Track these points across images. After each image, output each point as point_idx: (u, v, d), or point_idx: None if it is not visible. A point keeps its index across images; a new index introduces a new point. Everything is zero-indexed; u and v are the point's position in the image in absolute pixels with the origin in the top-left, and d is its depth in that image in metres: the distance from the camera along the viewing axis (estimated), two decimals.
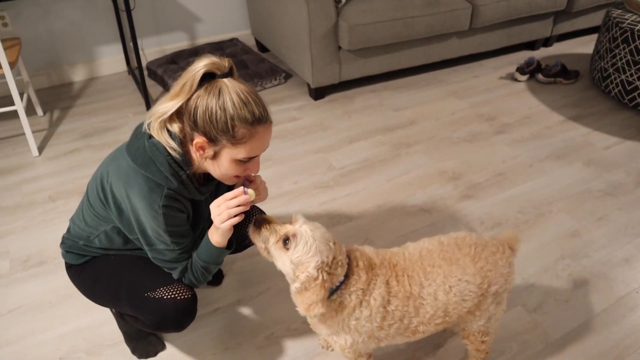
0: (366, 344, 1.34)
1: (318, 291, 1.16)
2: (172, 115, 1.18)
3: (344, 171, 2.50)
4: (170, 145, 1.20)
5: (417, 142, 2.75)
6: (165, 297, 1.33)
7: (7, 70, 2.38)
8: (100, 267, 1.44)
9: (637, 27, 2.80)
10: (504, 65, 3.63)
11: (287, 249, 1.18)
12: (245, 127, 1.14)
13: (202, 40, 3.70)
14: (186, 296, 1.35)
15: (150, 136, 1.22)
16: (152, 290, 1.35)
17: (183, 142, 1.22)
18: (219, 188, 1.47)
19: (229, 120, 1.12)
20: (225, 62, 1.15)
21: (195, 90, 1.14)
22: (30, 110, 3.00)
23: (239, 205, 1.21)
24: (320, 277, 1.16)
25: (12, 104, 2.97)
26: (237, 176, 1.26)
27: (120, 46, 3.43)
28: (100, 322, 1.75)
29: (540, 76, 3.38)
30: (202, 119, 1.13)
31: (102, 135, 2.81)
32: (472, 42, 3.44)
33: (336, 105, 3.10)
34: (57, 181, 2.45)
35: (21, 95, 2.88)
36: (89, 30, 3.29)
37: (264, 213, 1.56)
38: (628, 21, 2.87)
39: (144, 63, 3.46)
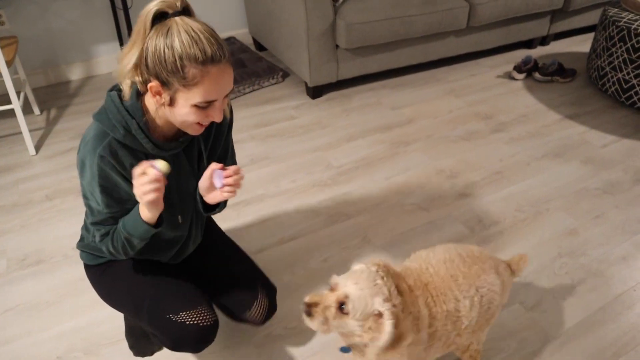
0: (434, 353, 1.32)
1: (397, 324, 1.09)
2: (135, 65, 1.10)
3: (342, 169, 2.50)
4: (125, 94, 1.14)
5: (415, 140, 2.75)
6: (187, 322, 1.30)
7: (4, 68, 2.37)
8: (122, 275, 1.40)
9: (633, 26, 2.81)
10: (501, 64, 3.63)
11: (347, 313, 1.10)
12: (195, 67, 1.05)
13: None
14: (208, 323, 1.32)
15: (115, 90, 1.17)
16: (174, 313, 1.31)
17: (142, 92, 1.15)
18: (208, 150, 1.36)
19: (177, 60, 1.04)
20: (178, 1, 1.07)
21: (148, 33, 1.06)
22: (27, 109, 2.99)
23: (151, 182, 1.07)
24: (391, 310, 1.09)
25: (9, 102, 2.96)
26: (199, 124, 1.16)
27: (117, 45, 3.42)
28: (98, 321, 1.74)
29: (537, 75, 3.38)
30: (152, 60, 1.05)
31: None
32: (470, 41, 3.44)
33: (334, 104, 3.10)
34: (54, 180, 2.44)
35: (18, 94, 2.87)
36: (87, 29, 3.28)
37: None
38: (625, 20, 2.88)
39: None
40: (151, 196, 1.08)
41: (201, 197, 1.34)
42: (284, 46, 3.16)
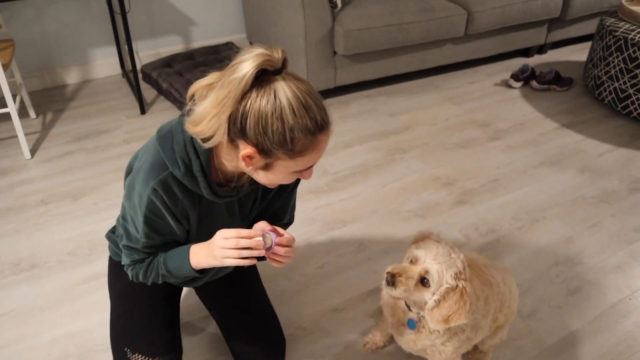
0: (464, 346, 1.38)
1: (459, 300, 1.18)
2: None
3: (338, 176, 2.50)
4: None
5: (412, 147, 2.75)
6: None
7: (0, 72, 2.36)
8: (126, 289, 1.38)
9: (630, 36, 2.82)
10: (498, 72, 3.64)
11: (428, 286, 1.20)
12: (306, 137, 0.94)
13: (197, 44, 3.69)
14: None
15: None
16: (131, 348, 1.27)
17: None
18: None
19: (287, 132, 0.92)
20: (279, 53, 0.93)
21: (246, 95, 0.92)
22: (23, 113, 2.98)
23: (249, 248, 1.05)
24: (460, 285, 1.19)
25: (5, 106, 2.95)
26: None
27: (114, 49, 3.42)
28: (92, 327, 1.73)
29: (534, 83, 3.40)
30: (253, 129, 0.92)
31: (95, 138, 2.79)
32: (467, 49, 3.45)
33: (331, 110, 3.06)
34: (50, 184, 2.43)
35: (14, 97, 2.86)
36: (83, 32, 3.27)
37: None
38: (622, 29, 2.89)
39: (138, 66, 3.45)
40: (235, 261, 1.05)
41: None
42: None
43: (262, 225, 1.10)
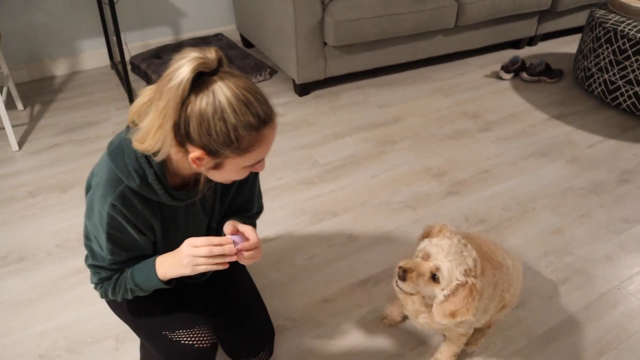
0: (474, 325, 1.45)
1: (467, 296, 1.22)
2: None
3: (328, 167, 2.50)
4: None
5: (402, 138, 2.75)
6: (183, 341, 1.25)
7: None
8: (136, 310, 1.35)
9: (620, 27, 2.83)
10: (489, 64, 3.64)
11: (438, 282, 1.24)
12: (250, 134, 0.95)
13: (186, 35, 3.66)
14: (205, 344, 1.27)
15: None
16: (170, 330, 1.27)
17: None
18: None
19: (231, 131, 0.92)
20: (212, 53, 0.93)
21: (185, 101, 0.92)
22: (10, 104, 2.94)
23: (222, 255, 1.07)
24: (470, 282, 1.22)
25: None
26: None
27: (103, 40, 3.38)
28: (81, 319, 1.72)
29: (524, 75, 3.40)
30: (197, 132, 0.92)
31: (84, 130, 2.77)
32: (458, 40, 3.45)
33: (321, 102, 3.09)
34: (38, 176, 2.41)
35: (0, 88, 2.82)
36: (71, 23, 3.23)
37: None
38: (611, 21, 2.90)
39: (127, 57, 3.42)
40: (206, 268, 1.07)
41: None
42: (271, 43, 3.14)
43: (229, 229, 1.15)
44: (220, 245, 1.06)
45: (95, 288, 1.21)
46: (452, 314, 1.23)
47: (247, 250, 1.12)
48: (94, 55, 3.41)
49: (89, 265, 1.18)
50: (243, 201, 1.36)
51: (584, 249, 2.07)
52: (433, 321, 1.37)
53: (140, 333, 1.35)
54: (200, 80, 0.91)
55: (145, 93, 0.99)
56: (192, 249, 1.06)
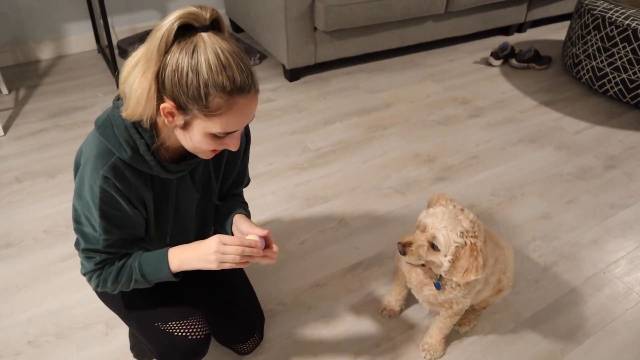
0: (474, 299, 1.49)
1: (469, 256, 1.25)
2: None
3: (319, 153, 2.49)
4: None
5: (392, 124, 2.75)
6: (176, 332, 1.24)
7: None
8: (127, 301, 1.32)
9: (608, 14, 2.84)
10: (478, 50, 3.65)
11: (438, 250, 1.26)
12: (221, 96, 0.92)
13: None
14: (199, 336, 1.25)
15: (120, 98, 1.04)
16: (163, 322, 1.25)
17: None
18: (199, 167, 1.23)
19: (202, 87, 0.90)
20: (207, 13, 0.91)
21: (169, 49, 0.91)
22: None
23: (250, 256, 1.09)
24: (468, 242, 1.25)
25: None
26: (214, 150, 1.06)
27: (89, 23, 3.33)
28: (70, 305, 1.71)
29: (513, 61, 3.41)
30: (170, 80, 0.91)
31: (70, 114, 2.73)
32: (448, 26, 3.44)
33: (312, 87, 3.08)
34: (24, 161, 2.37)
35: None
36: (57, 6, 3.17)
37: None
38: (599, 8, 2.91)
39: (114, 41, 3.37)
40: (231, 266, 1.08)
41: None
42: (261, 28, 3.11)
43: (246, 228, 1.18)
44: (251, 247, 1.09)
45: (90, 278, 1.16)
46: (462, 276, 1.26)
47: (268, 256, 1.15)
48: (80, 38, 3.36)
49: (82, 251, 1.14)
50: (236, 176, 1.36)
51: (571, 233, 2.09)
52: (441, 293, 1.40)
53: (132, 324, 1.33)
54: (187, 33, 0.91)
55: (135, 53, 0.97)
56: (222, 246, 1.07)
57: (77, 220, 1.12)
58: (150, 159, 1.04)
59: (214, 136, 1.00)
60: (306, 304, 1.75)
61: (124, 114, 0.99)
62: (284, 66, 3.09)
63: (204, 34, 0.91)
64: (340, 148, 2.53)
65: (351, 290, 1.81)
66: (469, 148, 2.58)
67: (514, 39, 3.85)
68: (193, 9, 0.90)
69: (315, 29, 2.93)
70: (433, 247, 1.27)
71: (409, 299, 1.73)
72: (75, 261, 1.86)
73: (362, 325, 1.68)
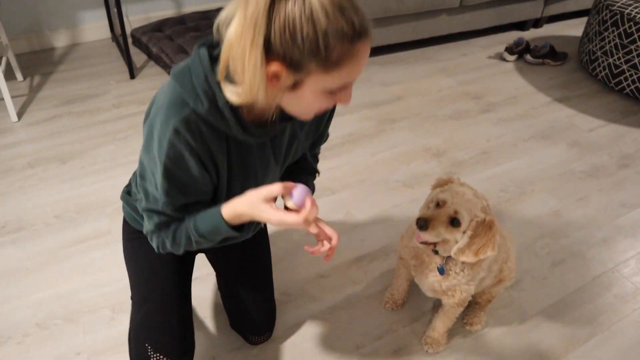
0: (477, 287, 1.47)
1: (488, 232, 1.24)
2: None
3: (328, 144, 2.49)
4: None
5: (403, 118, 2.73)
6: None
7: None
8: (147, 255, 1.30)
9: (627, 11, 2.79)
10: (493, 45, 3.61)
11: (458, 226, 1.24)
12: (343, 44, 0.80)
13: (188, 8, 3.62)
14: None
15: (206, 45, 0.92)
16: (153, 346, 1.24)
17: None
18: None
19: (320, 37, 0.78)
20: None
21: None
22: (9, 75, 2.92)
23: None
24: (488, 218, 1.25)
25: None
26: (319, 111, 0.94)
27: (104, 12, 3.35)
28: (78, 289, 1.73)
29: (528, 57, 3.37)
30: (279, 38, 0.78)
31: (83, 102, 2.76)
32: (462, 20, 3.41)
33: None
34: (37, 147, 2.40)
35: (0, 59, 2.80)
36: None
37: None
38: (618, 4, 2.86)
39: (128, 30, 3.39)
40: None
41: None
42: None
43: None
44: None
45: (150, 238, 1.10)
46: (476, 252, 1.25)
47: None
48: (94, 27, 3.38)
49: (144, 210, 1.05)
50: (313, 142, 1.27)
51: (581, 232, 2.07)
52: (445, 279, 1.39)
53: (134, 316, 1.32)
54: None
55: (229, 5, 0.86)
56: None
57: (142, 176, 1.03)
58: (229, 115, 0.92)
59: (329, 92, 0.88)
60: (310, 295, 1.76)
61: (237, 101, 0.88)
62: None
63: None
64: (350, 140, 2.53)
65: (355, 282, 1.81)
66: (480, 143, 2.56)
67: (530, 34, 3.80)
68: None
69: None
70: (452, 223, 1.25)
71: (413, 292, 1.73)
72: (84, 246, 1.89)
73: (366, 317, 1.69)
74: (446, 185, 1.33)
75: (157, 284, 1.31)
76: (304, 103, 0.90)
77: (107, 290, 1.73)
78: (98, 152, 2.37)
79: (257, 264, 1.50)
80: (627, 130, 2.73)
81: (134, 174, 1.22)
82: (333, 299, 1.75)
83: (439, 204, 1.28)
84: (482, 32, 3.77)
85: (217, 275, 1.53)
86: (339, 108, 2.78)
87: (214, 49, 0.93)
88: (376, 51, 3.41)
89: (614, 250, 1.99)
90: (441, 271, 1.39)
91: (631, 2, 2.84)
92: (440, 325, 1.54)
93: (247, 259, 1.47)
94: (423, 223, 1.25)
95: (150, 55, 3.14)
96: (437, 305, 1.72)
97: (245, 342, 1.57)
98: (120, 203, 1.39)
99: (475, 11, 3.40)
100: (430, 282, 1.43)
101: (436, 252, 1.37)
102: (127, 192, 1.31)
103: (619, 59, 2.89)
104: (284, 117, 1.00)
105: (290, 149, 1.16)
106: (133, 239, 1.35)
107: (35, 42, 3.24)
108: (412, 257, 1.46)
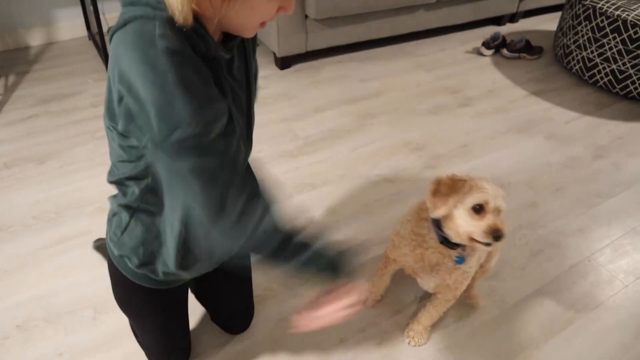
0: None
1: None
2: None
3: (308, 140, 2.50)
4: None
5: (382, 113, 2.75)
6: None
7: None
8: (136, 308, 1.30)
9: (598, 5, 2.85)
10: (470, 40, 3.65)
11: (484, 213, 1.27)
12: None
13: None
14: None
15: None
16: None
17: None
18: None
19: None
20: None
21: None
22: None
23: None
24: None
25: None
26: (263, 23, 0.85)
27: (80, 10, 3.30)
28: (58, 290, 1.72)
29: (505, 51, 3.42)
30: None
31: (60, 101, 2.72)
32: (440, 15, 3.44)
33: (302, 75, 3.07)
34: (13, 148, 2.37)
35: None
36: None
37: None
38: None
39: (105, 28, 3.35)
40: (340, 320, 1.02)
41: None
42: None
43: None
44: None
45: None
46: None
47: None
48: (70, 25, 3.34)
49: (223, 195, 0.87)
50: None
51: (558, 222, 2.11)
52: (446, 270, 1.40)
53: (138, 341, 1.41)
54: None
55: None
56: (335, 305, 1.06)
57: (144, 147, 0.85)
58: (198, 27, 0.79)
59: (275, 1, 0.81)
60: (293, 289, 1.76)
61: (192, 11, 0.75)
62: (274, 54, 3.09)
63: None
64: (330, 136, 2.54)
65: None
66: (459, 137, 2.59)
67: (506, 29, 3.85)
68: None
69: (306, 16, 2.92)
70: (476, 210, 1.27)
71: (393, 284, 1.75)
72: (63, 247, 1.87)
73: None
74: (476, 183, 1.30)
75: (154, 319, 1.33)
76: (251, 11, 0.80)
77: (88, 289, 1.72)
78: (76, 151, 2.35)
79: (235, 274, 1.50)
80: (601, 122, 2.79)
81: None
82: (316, 294, 1.75)
83: (481, 207, 1.27)
84: (459, 27, 3.81)
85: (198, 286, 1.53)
86: (320, 104, 2.79)
87: None
88: (355, 47, 3.43)
89: (590, 239, 2.03)
90: (461, 261, 1.38)
91: None
92: (428, 319, 1.56)
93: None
94: (501, 234, 1.26)
95: None
96: (418, 297, 1.75)
97: (225, 332, 1.62)
98: (100, 203, 1.38)
99: (452, 6, 3.44)
100: (441, 277, 1.42)
101: (451, 247, 1.36)
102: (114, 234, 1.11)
103: (592, 52, 2.94)
104: (227, 38, 0.92)
105: (249, 80, 1.09)
106: (122, 286, 1.22)
107: (9, 41, 3.19)
108: (416, 260, 1.43)
